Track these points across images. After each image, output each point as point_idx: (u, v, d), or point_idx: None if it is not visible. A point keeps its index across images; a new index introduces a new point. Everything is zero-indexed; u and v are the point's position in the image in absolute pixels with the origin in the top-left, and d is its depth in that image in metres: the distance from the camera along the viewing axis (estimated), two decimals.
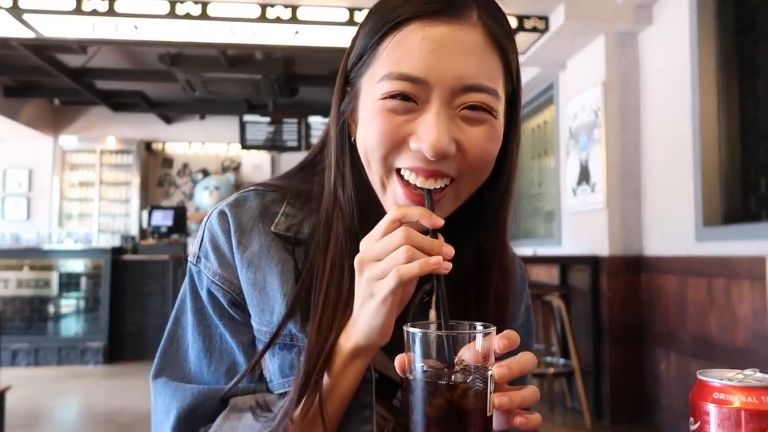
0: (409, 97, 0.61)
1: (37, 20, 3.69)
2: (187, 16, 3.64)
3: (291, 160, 8.15)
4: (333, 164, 0.70)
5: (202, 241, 0.73)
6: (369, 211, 0.68)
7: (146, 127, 7.99)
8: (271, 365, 0.68)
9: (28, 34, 3.90)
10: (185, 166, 8.24)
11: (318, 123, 6.86)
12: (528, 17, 3.85)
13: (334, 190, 0.69)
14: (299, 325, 0.66)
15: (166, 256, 5.72)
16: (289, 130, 6.84)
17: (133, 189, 7.85)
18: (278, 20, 3.69)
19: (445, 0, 0.61)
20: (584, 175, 4.03)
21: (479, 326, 0.53)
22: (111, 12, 3.58)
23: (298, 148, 6.88)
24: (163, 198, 8.17)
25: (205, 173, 7.98)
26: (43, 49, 5.26)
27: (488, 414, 0.51)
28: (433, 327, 0.54)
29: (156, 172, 8.20)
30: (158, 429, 0.69)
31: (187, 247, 5.93)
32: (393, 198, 0.64)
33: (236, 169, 8.28)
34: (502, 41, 0.62)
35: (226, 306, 0.70)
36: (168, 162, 8.23)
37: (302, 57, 5.89)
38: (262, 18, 3.68)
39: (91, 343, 5.52)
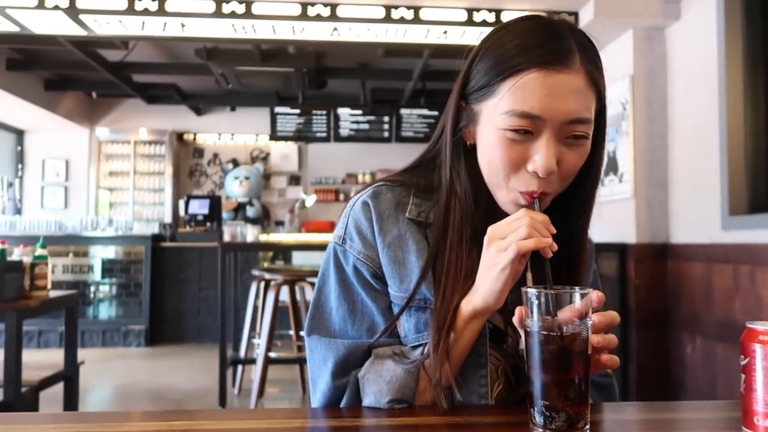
0: (528, 131, 0.78)
1: (91, 19, 3.89)
2: (232, 15, 3.82)
3: (318, 151, 8.37)
4: (448, 163, 0.89)
5: (346, 226, 0.92)
6: (480, 199, 0.87)
7: (177, 118, 8.22)
8: (406, 324, 0.87)
9: (80, 32, 4.10)
10: (215, 156, 8.47)
11: (346, 114, 7.03)
12: (558, 13, 3.98)
13: (450, 184, 0.88)
14: (432, 291, 0.85)
15: (204, 243, 5.98)
16: (319, 122, 7.02)
17: (166, 178, 8.10)
18: (318, 18, 3.86)
19: (555, 52, 0.78)
20: (612, 166, 4.17)
21: (578, 289, 0.71)
22: (161, 11, 3.77)
23: (327, 139, 7.07)
24: (194, 187, 8.42)
25: (235, 163, 8.20)
26: (87, 44, 5.48)
27: (588, 353, 0.69)
28: (543, 289, 0.72)
29: (187, 162, 8.45)
30: (316, 374, 0.89)
31: (223, 235, 6.16)
32: (510, 198, 0.83)
33: (264, 158, 8.50)
34: (596, 79, 0.81)
35: (369, 278, 0.89)
36: (199, 152, 8.47)
37: (333, 51, 6.06)
38: (303, 16, 3.85)
39: (133, 326, 5.79)
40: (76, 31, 4.05)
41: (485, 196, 0.86)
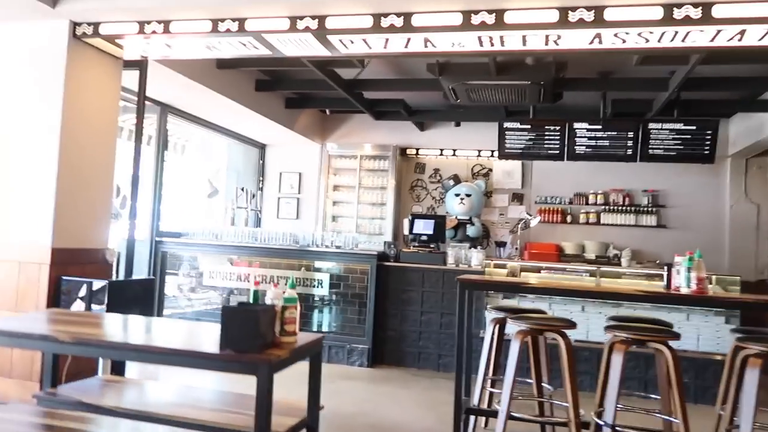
0: None
1: (336, 39, 3.82)
2: (482, 26, 3.46)
3: (544, 167, 7.75)
4: None
5: None
6: None
7: (401, 133, 8.24)
8: None
9: (325, 53, 4.08)
10: (436, 171, 8.32)
11: (583, 129, 6.34)
12: None
13: None
14: None
15: (428, 265, 5.78)
16: (551, 138, 6.43)
17: (388, 193, 8.14)
18: (580, 23, 3.33)
19: None
20: None
21: None
22: (406, 27, 3.56)
23: (560, 157, 6.45)
24: (414, 202, 8.36)
25: (456, 179, 7.94)
26: (327, 63, 5.60)
27: None
28: None
29: (409, 177, 8.42)
30: None
31: (447, 257, 5.89)
32: None
33: (486, 174, 8.13)
34: None
35: None
36: (420, 167, 8.39)
37: (575, 60, 5.46)
38: (562, 22, 3.35)
39: (356, 344, 5.77)
40: (322, 51, 4.03)
41: None
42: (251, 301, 2.20)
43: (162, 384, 2.98)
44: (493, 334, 3.71)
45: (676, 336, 3.02)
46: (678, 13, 3.20)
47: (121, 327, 2.58)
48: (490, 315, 3.85)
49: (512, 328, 3.42)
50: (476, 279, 3.67)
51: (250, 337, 1.97)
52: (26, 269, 3.95)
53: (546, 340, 3.67)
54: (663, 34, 3.38)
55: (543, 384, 3.65)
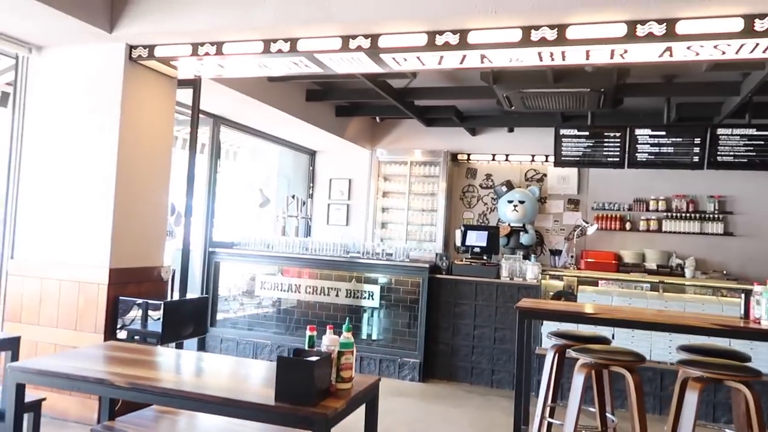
0: None
1: (389, 57, 3.72)
2: (542, 42, 3.29)
3: (601, 172, 7.44)
4: None
5: None
6: None
7: (452, 138, 8.06)
8: None
9: (377, 70, 3.99)
10: (488, 176, 8.13)
11: (645, 136, 6.04)
12: None
13: None
14: None
15: (481, 278, 5.64)
16: (611, 145, 6.16)
17: (438, 199, 8.00)
18: (650, 38, 3.12)
19: None
20: None
21: None
22: (462, 45, 3.42)
23: (620, 164, 6.16)
24: (465, 209, 8.20)
25: (509, 185, 7.73)
26: (377, 75, 5.50)
27: None
28: None
29: (460, 182, 8.25)
30: None
31: (501, 270, 5.73)
32: None
33: (540, 180, 7.88)
34: None
35: None
36: (471, 172, 8.21)
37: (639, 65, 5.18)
38: (630, 37, 3.15)
39: (407, 358, 5.68)
40: (374, 69, 3.94)
41: None
42: (306, 346, 2.13)
43: (214, 416, 2.95)
44: (553, 361, 3.55)
45: (758, 374, 2.80)
46: (760, 25, 2.97)
47: (174, 368, 2.57)
48: (549, 341, 3.68)
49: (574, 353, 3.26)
50: (536, 308, 3.51)
51: (306, 389, 1.90)
52: (86, 289, 4.02)
53: (611, 380, 3.48)
54: (742, 45, 3.15)
55: (607, 414, 3.47)
